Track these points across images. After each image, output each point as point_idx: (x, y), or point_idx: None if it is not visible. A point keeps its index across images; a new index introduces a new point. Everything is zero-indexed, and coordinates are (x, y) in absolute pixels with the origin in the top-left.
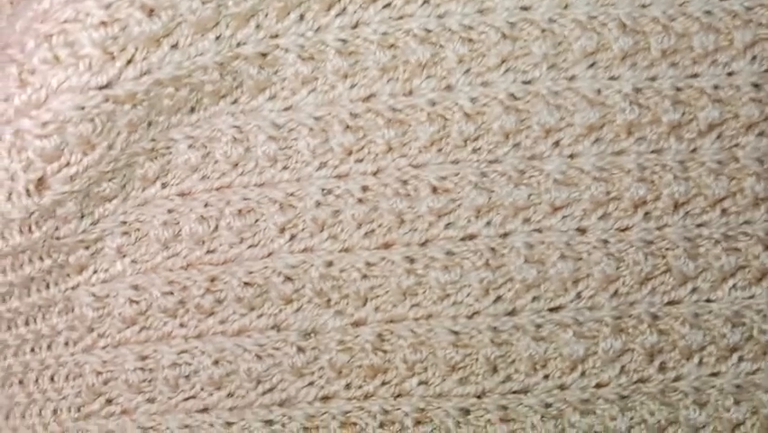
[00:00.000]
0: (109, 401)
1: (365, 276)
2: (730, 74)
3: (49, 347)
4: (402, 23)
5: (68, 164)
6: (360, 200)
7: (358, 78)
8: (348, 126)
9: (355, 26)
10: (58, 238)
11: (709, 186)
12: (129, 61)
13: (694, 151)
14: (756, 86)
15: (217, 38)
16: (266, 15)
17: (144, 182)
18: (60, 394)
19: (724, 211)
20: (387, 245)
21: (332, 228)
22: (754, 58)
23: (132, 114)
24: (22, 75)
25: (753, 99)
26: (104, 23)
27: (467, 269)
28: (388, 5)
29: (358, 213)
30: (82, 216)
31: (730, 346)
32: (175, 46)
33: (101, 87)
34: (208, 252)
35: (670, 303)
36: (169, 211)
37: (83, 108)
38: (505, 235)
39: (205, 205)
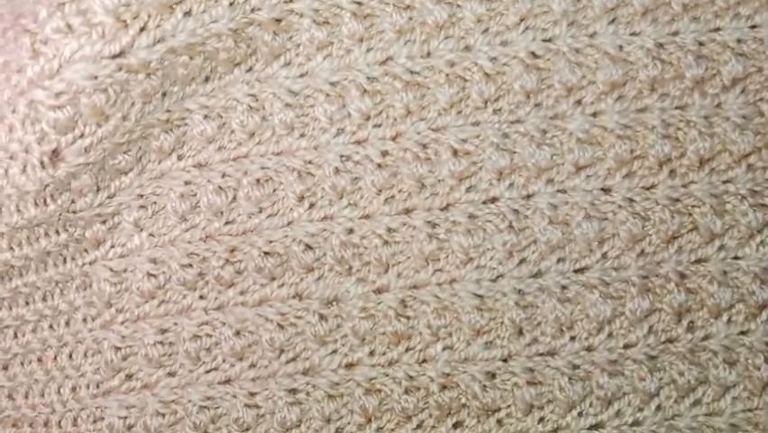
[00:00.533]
0: (129, 377)
1: (386, 242)
2: (753, 27)
3: (67, 324)
4: None
5: (82, 136)
6: (379, 166)
7: (374, 41)
8: (365, 91)
9: None
10: (74, 212)
11: (735, 141)
12: (142, 29)
13: (718, 106)
14: None
15: (231, 4)
16: None
17: (160, 154)
18: (79, 371)
19: (750, 167)
20: (408, 211)
21: (351, 195)
22: None
23: (146, 83)
24: (35, 45)
25: None
26: None
27: (490, 232)
28: None
29: (377, 179)
30: (98, 190)
31: (759, 304)
32: (188, 13)
33: (114, 56)
34: (227, 222)
35: (697, 261)
36: (186, 183)
37: (96, 78)
38: (528, 197)
39: (223, 175)
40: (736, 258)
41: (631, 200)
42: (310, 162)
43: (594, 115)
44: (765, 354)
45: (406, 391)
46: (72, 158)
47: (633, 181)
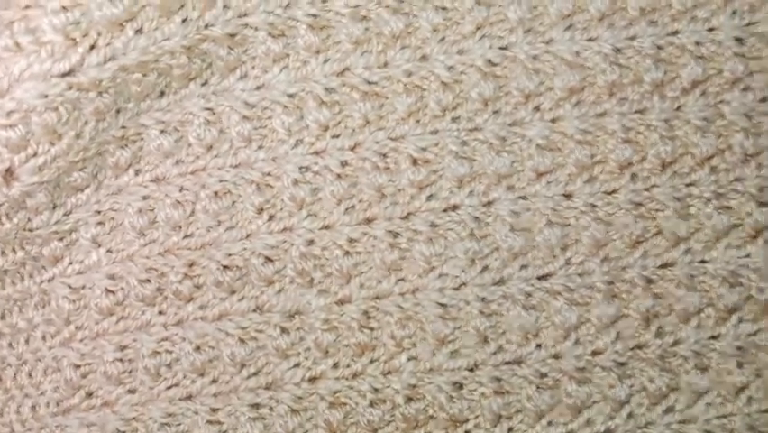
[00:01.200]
0: (89, 394)
1: (348, 253)
2: (711, 29)
3: (26, 341)
4: None
5: (35, 154)
6: (338, 176)
7: (331, 52)
8: (323, 102)
9: (325, 0)
10: (30, 230)
11: (697, 144)
12: (92, 47)
13: (679, 109)
14: (739, 40)
15: (184, 21)
16: None
17: (117, 170)
18: (39, 390)
19: (713, 169)
20: (368, 221)
21: (311, 206)
22: (734, 12)
23: (98, 101)
24: None
25: (736, 54)
26: (64, 8)
27: (452, 240)
28: None
29: (337, 189)
30: (54, 207)
31: (729, 307)
32: (140, 31)
33: (64, 75)
34: (185, 236)
35: (663, 266)
36: (144, 198)
37: (47, 96)
38: (489, 204)
39: (181, 189)
40: (702, 261)
41: (593, 205)
42: (269, 174)
43: (553, 121)
44: (737, 359)
45: (372, 404)
46: (26, 177)
47: (594, 186)
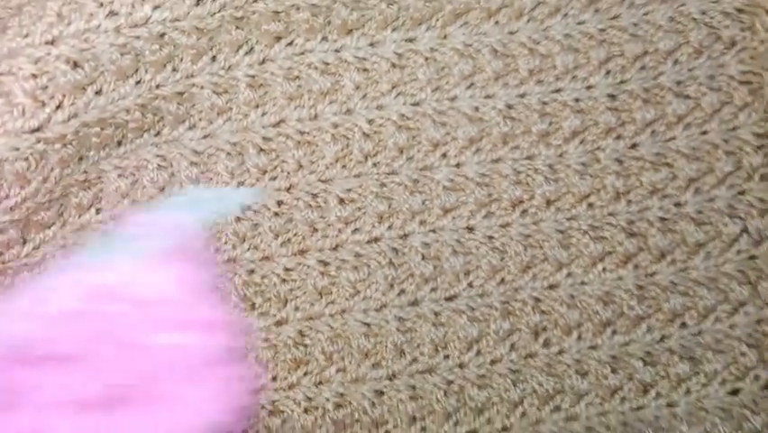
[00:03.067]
0: None
1: (284, 280)
2: (589, 87)
3: None
4: (304, 58)
5: (7, 197)
6: (276, 213)
7: (268, 106)
8: (261, 149)
9: (262, 62)
10: (3, 263)
11: (576, 184)
12: (58, 107)
13: (561, 155)
14: (612, 96)
15: (137, 83)
16: (181, 60)
17: (80, 210)
18: None
19: (590, 205)
20: (302, 252)
21: (252, 240)
22: (608, 72)
23: (62, 152)
24: None
25: (609, 108)
26: (34, 76)
27: (374, 267)
28: (290, 44)
29: (275, 225)
30: (24, 242)
31: (604, 322)
32: (99, 92)
33: (33, 131)
34: None
35: (549, 287)
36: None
37: (18, 149)
38: (404, 237)
39: None
40: (582, 283)
41: (491, 237)
42: None
43: (457, 165)
44: (612, 365)
45: (305, 411)
46: None
47: (491, 221)
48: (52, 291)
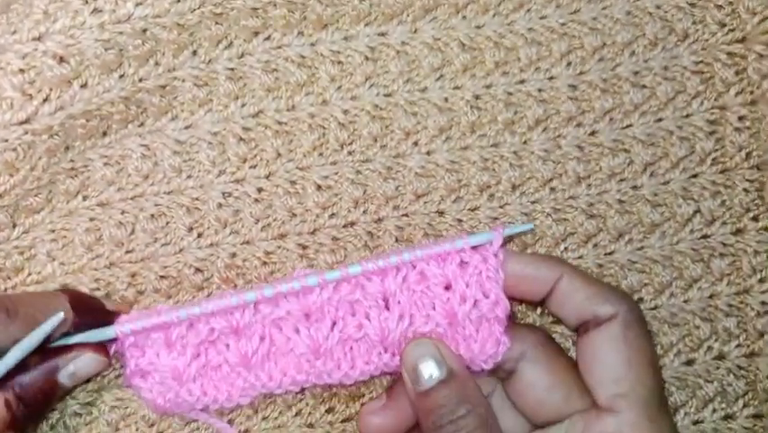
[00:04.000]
0: None
1: (265, 263)
2: (551, 78)
3: None
4: (281, 52)
5: None
6: (256, 200)
7: (247, 98)
8: (241, 139)
9: (241, 56)
10: None
11: (539, 170)
12: (45, 100)
13: (525, 143)
14: (572, 86)
15: (121, 76)
16: (163, 54)
17: (67, 196)
18: None
19: (552, 189)
20: (282, 236)
21: (233, 225)
22: (569, 64)
23: (49, 142)
24: None
25: (570, 98)
26: (22, 70)
27: (350, 250)
28: (268, 38)
29: (255, 211)
30: (14, 226)
31: None
32: (84, 85)
33: (21, 123)
34: (127, 252)
35: None
36: (91, 219)
37: (6, 141)
38: (379, 221)
39: (122, 212)
40: None
41: (460, 220)
42: (197, 199)
43: (428, 153)
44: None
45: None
46: None
47: (461, 205)
48: None
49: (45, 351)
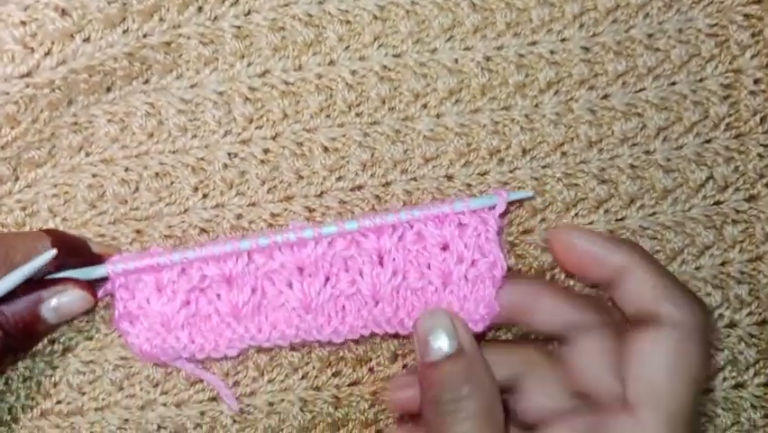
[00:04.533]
0: (52, 342)
1: (271, 225)
2: (563, 40)
3: None
4: (288, 10)
5: None
6: (262, 161)
7: (253, 57)
8: (248, 99)
9: (248, 14)
10: None
11: (550, 134)
12: (46, 54)
13: (536, 106)
14: (585, 48)
15: (125, 31)
16: (168, 10)
17: (70, 151)
18: None
19: (564, 154)
20: (288, 198)
21: (239, 186)
22: (582, 26)
23: (51, 96)
24: None
25: (583, 60)
26: (23, 23)
27: (357, 214)
28: None
29: (261, 172)
30: (16, 180)
31: None
32: (87, 40)
33: (22, 76)
34: (132, 209)
35: (524, 232)
36: (94, 176)
37: (7, 93)
38: (387, 185)
39: (126, 170)
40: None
41: (469, 185)
42: (202, 159)
43: (437, 116)
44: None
45: (292, 348)
46: None
47: (470, 169)
48: None
49: (31, 283)
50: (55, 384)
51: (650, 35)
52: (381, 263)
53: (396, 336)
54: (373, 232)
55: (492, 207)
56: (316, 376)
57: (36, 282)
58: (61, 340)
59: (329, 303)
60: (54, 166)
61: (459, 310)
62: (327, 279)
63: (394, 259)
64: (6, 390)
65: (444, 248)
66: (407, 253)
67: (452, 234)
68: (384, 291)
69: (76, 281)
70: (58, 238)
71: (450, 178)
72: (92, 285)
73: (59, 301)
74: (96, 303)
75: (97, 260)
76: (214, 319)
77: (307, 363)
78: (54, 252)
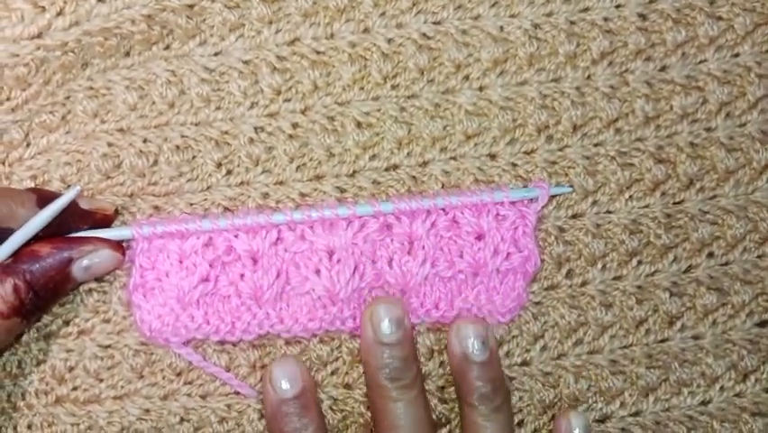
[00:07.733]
0: (66, 323)
1: (299, 206)
2: (618, 6)
3: None
4: None
5: (8, 99)
6: (290, 136)
7: (282, 23)
8: (275, 68)
9: None
10: (8, 164)
11: (604, 108)
12: (59, 14)
13: (589, 78)
14: (642, 16)
15: None
16: None
17: (85, 117)
18: None
19: (618, 131)
20: (318, 177)
21: (266, 163)
22: None
23: (63, 58)
24: None
25: (639, 29)
26: None
27: (392, 196)
28: None
29: (289, 148)
30: (28, 145)
31: (630, 252)
32: (102, 0)
33: (33, 37)
34: (150, 183)
35: (574, 216)
36: (109, 145)
37: (17, 56)
38: (425, 164)
39: (145, 141)
40: (608, 212)
41: (514, 164)
42: (226, 133)
43: (480, 89)
44: (637, 297)
45: (321, 341)
46: (1, 116)
47: (515, 147)
48: None
49: (55, 242)
50: (71, 369)
51: (712, 2)
52: (410, 251)
53: (429, 329)
54: (406, 216)
55: (531, 200)
56: (347, 373)
57: (63, 240)
58: (76, 321)
59: (354, 294)
60: (68, 132)
61: (487, 302)
62: (356, 267)
63: (423, 247)
64: (19, 373)
65: (479, 238)
66: (439, 239)
67: (489, 225)
68: (413, 282)
69: (104, 240)
70: (43, 196)
71: (493, 157)
72: (121, 244)
73: (90, 261)
74: (123, 262)
75: (88, 218)
76: (234, 301)
77: (337, 359)
78: (79, 188)
